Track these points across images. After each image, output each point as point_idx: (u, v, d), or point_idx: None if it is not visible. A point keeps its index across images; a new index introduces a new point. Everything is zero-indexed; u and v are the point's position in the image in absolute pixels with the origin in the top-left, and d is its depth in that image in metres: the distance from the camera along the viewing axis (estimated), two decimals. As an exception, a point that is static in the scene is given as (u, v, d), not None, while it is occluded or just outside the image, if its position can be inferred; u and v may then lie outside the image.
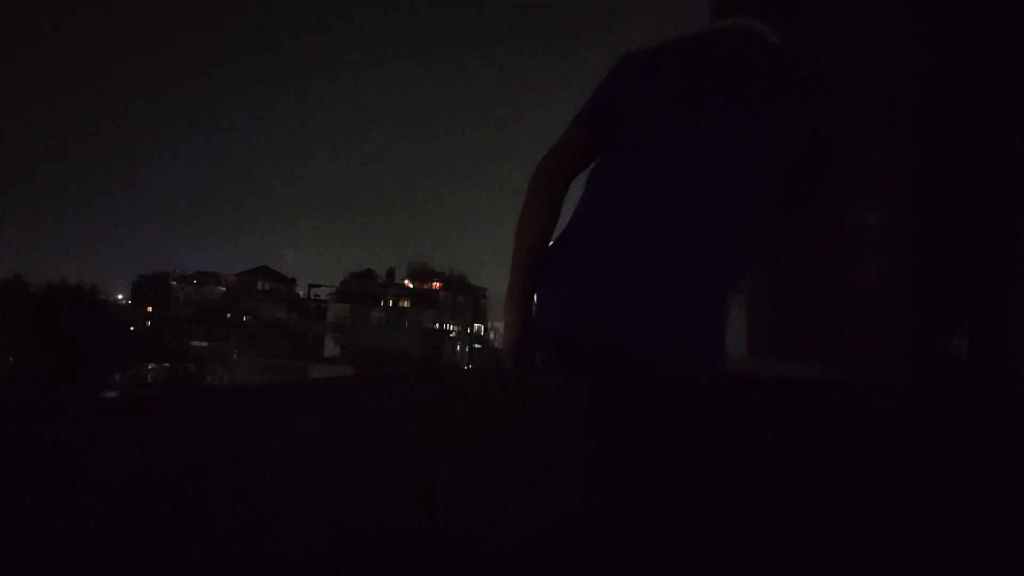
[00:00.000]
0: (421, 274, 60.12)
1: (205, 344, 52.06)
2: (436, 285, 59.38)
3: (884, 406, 1.23)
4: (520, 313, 1.64)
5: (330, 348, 50.85)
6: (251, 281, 61.57)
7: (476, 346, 57.23)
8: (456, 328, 57.69)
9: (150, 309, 57.92)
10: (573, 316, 1.59)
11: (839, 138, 1.97)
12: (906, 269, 3.54)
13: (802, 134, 1.62)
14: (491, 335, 63.12)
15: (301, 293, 61.99)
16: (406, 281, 60.25)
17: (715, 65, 1.64)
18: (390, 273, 61.19)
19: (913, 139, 3.59)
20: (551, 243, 1.69)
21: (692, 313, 1.55)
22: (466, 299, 60.17)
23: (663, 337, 1.52)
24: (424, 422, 1.08)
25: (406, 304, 58.49)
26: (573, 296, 1.61)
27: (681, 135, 1.59)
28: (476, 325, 61.05)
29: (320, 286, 62.26)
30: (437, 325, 56.11)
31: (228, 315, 57.21)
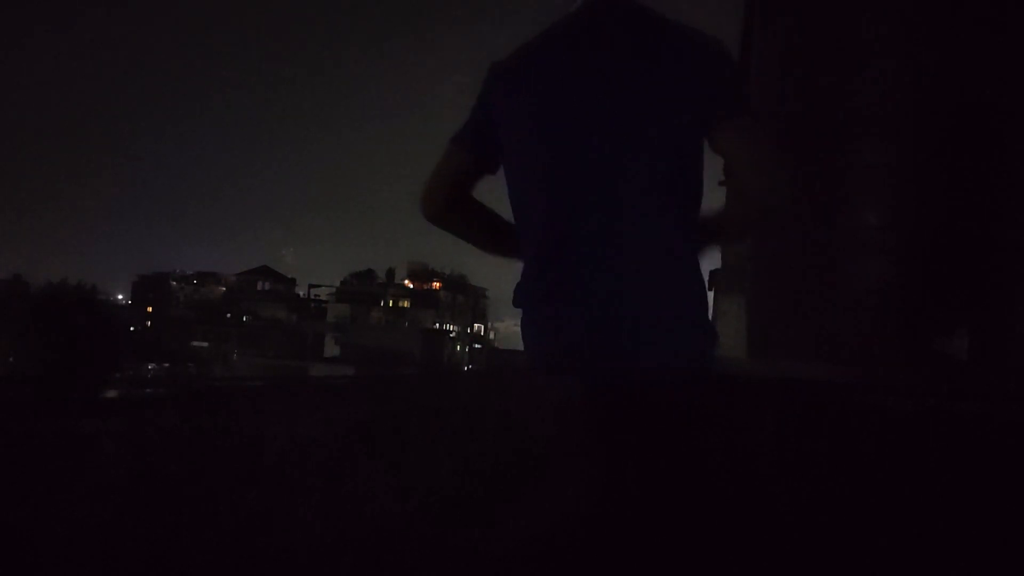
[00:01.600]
0: (421, 274, 60.11)
1: (205, 344, 52.07)
2: (436, 285, 59.38)
3: (884, 406, 1.23)
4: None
5: (330, 348, 50.85)
6: (251, 281, 61.60)
7: (476, 346, 57.22)
8: (456, 328, 57.69)
9: (150, 309, 57.95)
10: (550, 356, 1.56)
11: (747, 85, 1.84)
12: (906, 269, 3.53)
13: (699, 88, 1.54)
14: (491, 335, 63.11)
15: (301, 293, 62.02)
16: (406, 281, 60.26)
17: (584, 46, 1.57)
18: (390, 273, 61.21)
19: (913, 139, 3.58)
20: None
21: (662, 305, 1.51)
22: (466, 299, 60.17)
23: (642, 339, 1.49)
24: (424, 422, 1.08)
25: (406, 304, 58.50)
26: (541, 338, 1.58)
27: (571, 130, 1.53)
28: (476, 325, 61.05)
29: (320, 286, 62.30)
30: (437, 325, 56.11)
31: (228, 315, 57.23)
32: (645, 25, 1.55)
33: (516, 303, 1.65)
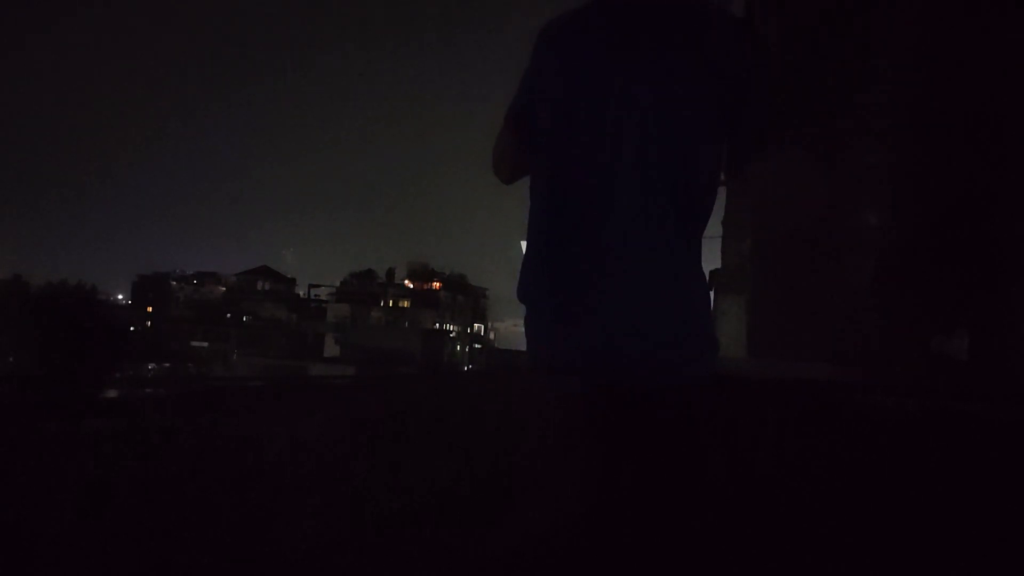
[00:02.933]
0: (421, 274, 60.03)
1: (205, 344, 52.02)
2: (436, 285, 59.29)
3: (884, 406, 1.23)
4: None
5: (330, 348, 50.76)
6: (251, 281, 61.52)
7: (476, 346, 57.11)
8: (456, 328, 57.58)
9: (150, 309, 57.87)
10: (552, 357, 1.55)
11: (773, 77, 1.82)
12: (907, 269, 3.53)
13: (730, 74, 1.52)
14: (491, 335, 63.00)
15: (301, 293, 61.92)
16: (406, 281, 60.17)
17: (620, 30, 1.57)
18: (390, 273, 61.11)
19: (912, 139, 3.58)
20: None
21: (667, 309, 1.50)
22: (466, 299, 60.07)
23: (645, 342, 1.48)
24: (424, 422, 1.08)
25: (406, 304, 58.40)
26: (544, 338, 1.58)
27: (592, 122, 1.53)
28: (476, 325, 60.94)
29: (320, 286, 62.23)
30: (437, 325, 56.00)
31: (228, 315, 57.16)
32: (676, 16, 1.54)
33: (520, 296, 1.64)
